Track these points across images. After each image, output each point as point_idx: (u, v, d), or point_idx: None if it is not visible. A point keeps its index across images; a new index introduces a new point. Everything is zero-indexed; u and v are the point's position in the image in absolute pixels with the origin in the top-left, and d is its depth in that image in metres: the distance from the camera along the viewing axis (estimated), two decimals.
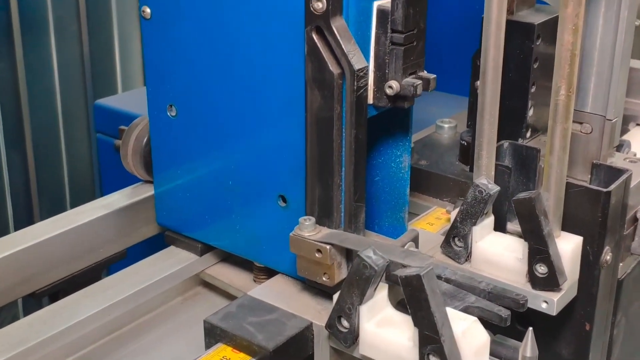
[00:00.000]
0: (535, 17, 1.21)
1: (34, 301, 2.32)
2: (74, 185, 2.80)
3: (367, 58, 0.97)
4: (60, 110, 2.72)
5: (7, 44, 2.53)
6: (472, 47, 1.41)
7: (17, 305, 2.53)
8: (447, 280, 1.03)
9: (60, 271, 1.17)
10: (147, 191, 1.28)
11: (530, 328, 0.86)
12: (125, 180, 1.37)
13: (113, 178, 1.84)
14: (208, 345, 1.00)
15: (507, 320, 0.97)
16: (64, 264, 1.17)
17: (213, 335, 1.00)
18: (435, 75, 1.01)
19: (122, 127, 1.44)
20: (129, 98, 2.03)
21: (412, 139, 1.44)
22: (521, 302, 1.00)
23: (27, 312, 2.52)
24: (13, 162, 2.59)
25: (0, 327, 1.04)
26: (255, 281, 1.16)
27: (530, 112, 1.25)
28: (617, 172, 1.11)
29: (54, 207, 2.69)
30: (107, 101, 1.92)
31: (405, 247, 1.07)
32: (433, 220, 1.30)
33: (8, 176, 2.57)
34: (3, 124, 2.52)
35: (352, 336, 0.94)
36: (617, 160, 1.20)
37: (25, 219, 2.63)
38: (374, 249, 0.90)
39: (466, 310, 0.95)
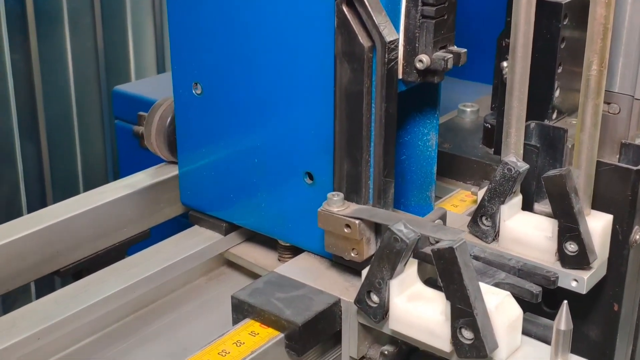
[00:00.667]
0: None
1: (47, 286, 2.32)
2: (87, 176, 2.81)
3: (397, 32, 0.96)
4: (74, 101, 2.72)
5: (22, 36, 2.52)
6: (491, 34, 1.40)
7: (29, 290, 2.52)
8: (476, 258, 1.03)
9: (84, 250, 1.17)
10: (171, 171, 1.27)
11: (565, 301, 0.85)
12: (144, 165, 1.36)
13: (131, 163, 1.84)
14: (235, 321, 1.00)
15: (539, 296, 0.96)
16: (88, 242, 1.17)
17: (241, 310, 0.99)
18: (465, 50, 1.00)
19: (141, 112, 1.43)
20: (147, 84, 2.03)
21: None
22: (552, 279, 1.00)
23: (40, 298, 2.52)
24: (27, 152, 2.59)
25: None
26: (280, 260, 1.16)
27: (557, 94, 1.24)
28: None
29: (68, 196, 2.68)
30: (126, 87, 1.91)
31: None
32: (457, 202, 1.29)
33: (22, 166, 2.57)
34: (17, 115, 2.51)
35: (382, 311, 0.93)
36: None
37: (38, 208, 2.63)
38: (404, 222, 0.90)
39: (497, 286, 0.94)
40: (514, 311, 0.89)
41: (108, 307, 1.06)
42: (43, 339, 0.98)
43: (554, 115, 1.26)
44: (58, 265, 1.15)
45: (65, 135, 2.73)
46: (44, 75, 2.60)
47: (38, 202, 2.68)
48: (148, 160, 1.37)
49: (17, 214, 2.57)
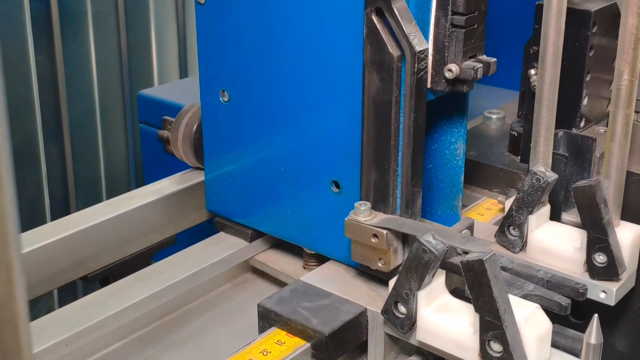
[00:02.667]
0: (591, 4, 1.19)
1: (70, 291, 2.34)
2: (110, 178, 2.82)
3: (426, 41, 0.96)
4: (97, 103, 2.74)
5: (47, 38, 2.54)
6: (517, 40, 1.39)
7: (52, 296, 2.54)
8: (504, 269, 1.02)
9: (111, 256, 1.17)
10: (197, 177, 1.27)
11: (596, 315, 0.84)
12: (168, 169, 1.37)
13: (155, 168, 1.85)
14: (262, 330, 1.00)
15: (568, 308, 0.95)
16: (114, 248, 1.17)
17: (267, 319, 0.99)
18: (495, 59, 1.00)
19: (166, 117, 1.44)
20: (172, 89, 2.04)
21: None
22: (581, 290, 0.99)
23: (62, 304, 2.54)
24: (51, 154, 2.61)
25: (35, 319, 1.04)
26: (305, 268, 1.16)
27: (585, 102, 1.23)
28: None
29: (90, 199, 2.71)
30: (151, 92, 1.92)
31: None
32: (483, 210, 1.28)
33: (46, 168, 2.59)
34: (41, 116, 2.53)
35: (410, 322, 0.92)
36: None
37: (62, 211, 2.65)
38: (433, 233, 0.89)
39: (525, 298, 0.94)
40: (544, 324, 0.88)
41: (135, 314, 1.06)
42: (71, 345, 0.99)
43: (582, 124, 1.25)
44: (85, 271, 1.15)
45: (89, 137, 2.75)
46: (68, 77, 2.61)
47: (61, 203, 2.70)
48: (172, 164, 1.37)
49: (41, 215, 2.59)
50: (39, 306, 2.42)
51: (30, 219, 2.52)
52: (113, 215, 1.17)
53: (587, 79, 1.22)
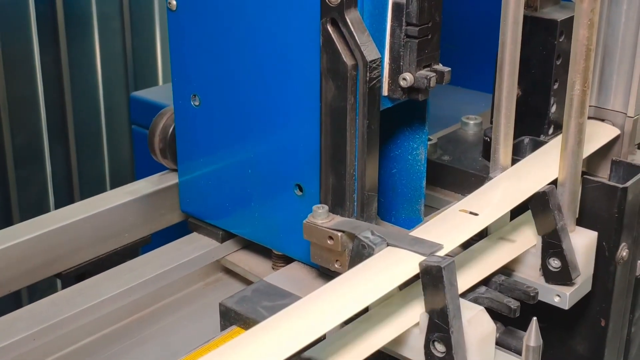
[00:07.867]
0: (558, 14, 1.22)
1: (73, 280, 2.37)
2: (114, 177, 2.86)
3: (382, 50, 0.99)
4: (102, 103, 2.78)
5: (52, 39, 2.59)
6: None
7: (55, 282, 2.58)
8: None
9: (86, 254, 1.21)
10: (173, 179, 1.31)
11: (535, 318, 0.86)
12: (159, 170, 1.40)
13: (147, 168, 1.88)
14: (223, 327, 1.03)
15: (516, 311, 0.98)
16: (89, 247, 1.21)
17: (228, 317, 1.03)
18: (449, 69, 1.02)
19: None
20: (165, 91, 2.06)
21: (438, 135, 1.45)
22: (532, 294, 1.01)
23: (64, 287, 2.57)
24: (56, 153, 2.66)
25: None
26: (273, 268, 1.19)
27: (553, 109, 1.25)
28: (636, 170, 1.11)
29: None
30: (143, 93, 1.95)
31: None
32: None
33: (50, 167, 2.64)
34: (47, 117, 2.58)
35: None
36: (638, 158, 1.19)
37: None
38: (372, 230, 0.92)
39: (476, 300, 0.96)
40: (487, 326, 0.91)
41: (103, 311, 1.10)
42: (39, 340, 1.03)
43: (550, 130, 1.27)
44: (60, 268, 1.19)
45: (93, 137, 2.79)
46: (73, 78, 2.66)
47: (66, 202, 2.73)
48: (163, 166, 1.40)
49: (45, 213, 2.63)
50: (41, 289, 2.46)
51: (35, 216, 2.57)
52: (88, 214, 1.21)
53: (555, 86, 1.24)
